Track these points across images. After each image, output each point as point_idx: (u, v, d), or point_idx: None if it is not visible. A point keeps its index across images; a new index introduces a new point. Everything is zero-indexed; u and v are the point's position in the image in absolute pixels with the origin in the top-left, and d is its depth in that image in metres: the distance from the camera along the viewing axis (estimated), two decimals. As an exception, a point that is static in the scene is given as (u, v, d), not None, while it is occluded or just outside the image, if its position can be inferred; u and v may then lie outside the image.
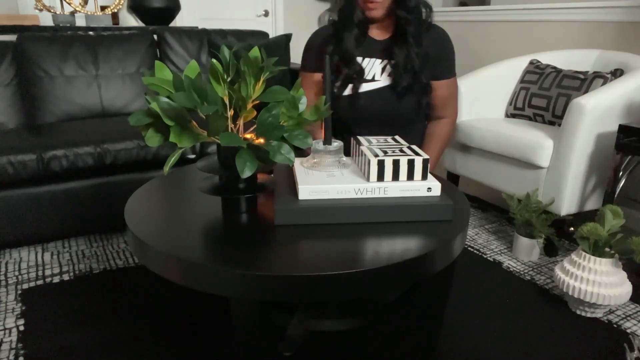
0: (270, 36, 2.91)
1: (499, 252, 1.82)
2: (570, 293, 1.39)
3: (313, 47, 1.52)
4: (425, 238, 0.88)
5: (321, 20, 3.80)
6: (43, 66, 2.19)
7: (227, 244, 0.86)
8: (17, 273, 1.65)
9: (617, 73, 1.91)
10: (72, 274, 1.64)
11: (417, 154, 0.97)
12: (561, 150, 1.74)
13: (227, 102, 0.93)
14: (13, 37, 2.24)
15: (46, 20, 2.78)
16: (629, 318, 1.42)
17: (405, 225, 0.92)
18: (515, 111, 2.19)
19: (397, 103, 1.44)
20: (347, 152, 1.11)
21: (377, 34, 1.47)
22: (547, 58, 2.21)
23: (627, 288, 1.36)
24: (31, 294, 1.51)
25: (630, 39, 2.10)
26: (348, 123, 1.48)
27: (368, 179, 0.95)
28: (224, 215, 0.98)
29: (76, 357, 1.22)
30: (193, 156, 2.00)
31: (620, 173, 1.65)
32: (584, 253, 1.38)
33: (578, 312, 1.43)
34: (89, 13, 2.77)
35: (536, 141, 1.79)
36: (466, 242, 1.90)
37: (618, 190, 1.67)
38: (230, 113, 0.94)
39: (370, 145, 1.05)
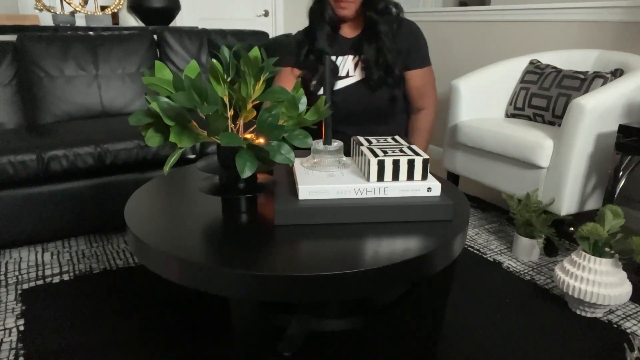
0: (270, 36, 2.91)
1: (499, 252, 1.82)
2: (570, 293, 1.39)
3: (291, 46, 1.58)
4: (425, 238, 0.88)
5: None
6: (43, 66, 2.19)
7: (227, 244, 0.85)
8: (17, 273, 1.65)
9: (617, 73, 1.91)
10: (72, 274, 1.64)
11: (417, 154, 0.97)
12: (561, 150, 1.74)
13: (227, 102, 0.93)
14: (13, 37, 2.24)
15: (46, 20, 2.78)
16: (629, 318, 1.42)
17: (405, 225, 0.92)
18: (515, 111, 2.19)
19: (372, 96, 1.47)
20: (347, 152, 1.11)
21: (347, 32, 1.51)
22: (547, 58, 2.21)
23: (627, 288, 1.36)
24: (31, 294, 1.51)
25: (630, 39, 2.10)
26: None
27: (368, 179, 0.95)
28: (224, 215, 0.98)
29: (76, 357, 1.22)
30: (193, 156, 2.00)
31: (620, 173, 1.65)
32: (584, 253, 1.38)
33: (578, 312, 1.43)
34: (89, 13, 2.77)
35: (536, 141, 1.79)
36: (466, 242, 1.90)
37: (618, 190, 1.67)
38: (230, 113, 0.94)
39: (370, 145, 1.05)
